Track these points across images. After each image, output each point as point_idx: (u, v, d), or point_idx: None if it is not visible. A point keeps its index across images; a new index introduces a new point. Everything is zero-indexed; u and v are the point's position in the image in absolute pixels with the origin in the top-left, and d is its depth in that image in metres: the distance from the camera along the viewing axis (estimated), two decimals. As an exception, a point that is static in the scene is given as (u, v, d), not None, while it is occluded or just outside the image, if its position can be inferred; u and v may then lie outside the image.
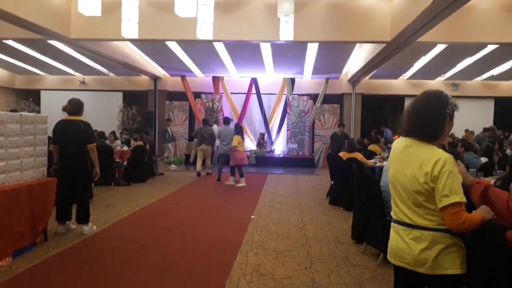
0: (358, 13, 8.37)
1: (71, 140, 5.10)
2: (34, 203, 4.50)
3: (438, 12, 6.14)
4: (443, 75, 14.26)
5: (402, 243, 1.99)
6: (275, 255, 4.52)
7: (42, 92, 16.61)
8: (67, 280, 3.71)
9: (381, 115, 17.33)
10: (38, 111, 15.76)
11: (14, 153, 4.32)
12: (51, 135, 5.23)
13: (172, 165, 13.21)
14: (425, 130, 1.93)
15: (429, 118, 1.93)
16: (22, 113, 4.65)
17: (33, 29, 8.00)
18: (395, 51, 9.25)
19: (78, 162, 5.16)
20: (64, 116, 5.28)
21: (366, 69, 12.08)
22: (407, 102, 15.15)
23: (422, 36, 7.65)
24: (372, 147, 9.82)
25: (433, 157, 1.87)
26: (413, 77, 14.44)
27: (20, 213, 4.27)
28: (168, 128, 13.39)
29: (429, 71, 13.32)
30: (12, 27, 7.91)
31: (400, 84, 15.16)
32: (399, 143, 2.06)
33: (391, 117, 16.86)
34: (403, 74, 14.48)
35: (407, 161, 1.97)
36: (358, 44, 10.78)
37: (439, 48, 10.56)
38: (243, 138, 9.85)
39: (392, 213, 2.11)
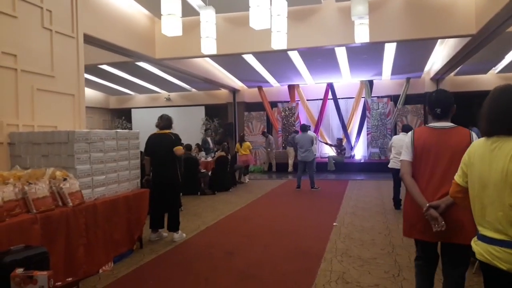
0: (437, 7, 7.94)
1: (163, 151, 5.50)
2: (130, 213, 4.89)
3: (531, -2, 5.63)
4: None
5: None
6: (360, 263, 4.43)
7: (132, 110, 18.04)
8: (162, 283, 3.98)
9: (469, 113, 16.10)
10: (130, 128, 17.09)
11: (112, 167, 4.74)
12: (142, 150, 5.67)
13: None
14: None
15: None
16: (118, 130, 5.10)
17: (123, 53, 8.77)
18: (482, 44, 8.58)
19: (169, 171, 5.53)
20: (156, 130, 5.72)
21: (450, 65, 11.36)
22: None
23: (513, 25, 7.04)
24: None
25: None
26: (504, 70, 13.23)
27: (119, 222, 4.67)
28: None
29: (524, 62, 12.14)
30: (106, 53, 8.75)
31: (490, 79, 13.96)
32: (482, 142, 1.98)
33: (482, 115, 15.57)
34: (493, 68, 13.34)
35: (495, 157, 1.87)
36: (440, 40, 10.20)
37: (535, 36, 9.60)
38: (241, 145, 12.28)
39: (480, 229, 1.95)
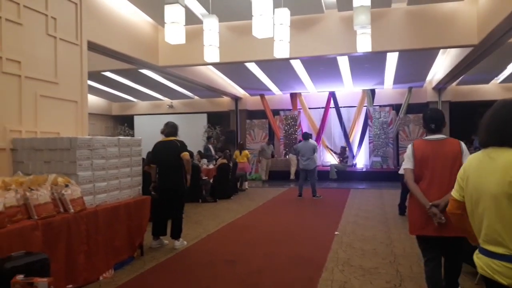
0: (440, 18, 7.98)
1: (169, 158, 5.51)
2: (131, 220, 4.89)
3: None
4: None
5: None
6: (361, 273, 4.40)
7: (135, 117, 18.09)
8: (162, 292, 3.96)
9: (472, 123, 16.08)
10: (132, 135, 17.12)
11: (114, 174, 4.75)
12: (144, 157, 5.67)
13: None
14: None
15: None
16: (120, 137, 5.11)
17: (127, 60, 8.83)
18: (484, 54, 8.63)
19: (175, 179, 5.53)
20: (161, 137, 5.74)
21: (452, 75, 11.39)
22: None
23: (515, 36, 7.07)
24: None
25: None
26: (506, 80, 13.24)
27: (120, 229, 4.66)
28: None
29: (526, 72, 12.16)
30: (109, 60, 8.81)
31: (492, 89, 13.98)
32: (477, 155, 1.97)
33: (484, 125, 15.55)
34: (495, 78, 13.36)
35: (491, 168, 1.85)
36: (442, 50, 10.24)
37: (537, 47, 9.62)
38: (240, 152, 12.50)
39: (481, 242, 1.91)
